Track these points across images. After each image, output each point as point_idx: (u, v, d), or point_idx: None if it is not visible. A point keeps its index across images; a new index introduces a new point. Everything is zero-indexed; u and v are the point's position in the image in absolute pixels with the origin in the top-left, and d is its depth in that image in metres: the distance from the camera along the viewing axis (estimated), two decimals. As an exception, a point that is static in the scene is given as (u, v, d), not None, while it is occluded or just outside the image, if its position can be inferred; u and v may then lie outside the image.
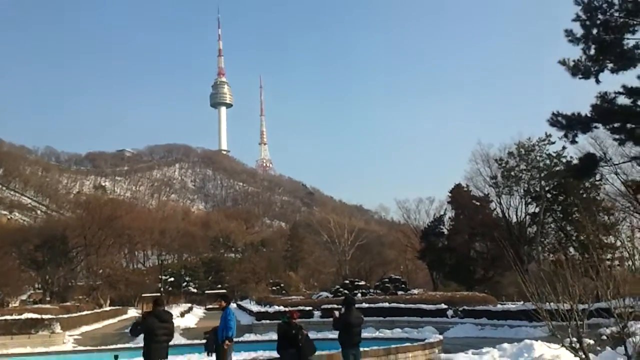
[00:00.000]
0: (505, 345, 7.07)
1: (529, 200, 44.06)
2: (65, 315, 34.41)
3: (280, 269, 76.90)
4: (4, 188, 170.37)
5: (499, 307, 28.85)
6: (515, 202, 44.79)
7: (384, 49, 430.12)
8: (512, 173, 43.26)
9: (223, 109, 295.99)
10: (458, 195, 50.18)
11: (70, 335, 31.43)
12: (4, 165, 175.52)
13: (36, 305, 42.86)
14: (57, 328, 29.64)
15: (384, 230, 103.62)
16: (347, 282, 43.28)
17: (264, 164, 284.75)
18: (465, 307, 28.66)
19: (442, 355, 6.50)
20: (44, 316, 29.91)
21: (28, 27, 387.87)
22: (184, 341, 25.92)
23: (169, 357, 17.99)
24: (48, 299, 55.81)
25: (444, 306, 29.50)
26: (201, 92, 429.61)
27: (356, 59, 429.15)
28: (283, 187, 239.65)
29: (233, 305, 64.41)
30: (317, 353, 12.56)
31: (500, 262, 48.06)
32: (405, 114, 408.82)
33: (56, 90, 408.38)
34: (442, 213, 54.48)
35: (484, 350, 6.96)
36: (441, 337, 17.82)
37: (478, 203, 48.66)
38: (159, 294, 45.89)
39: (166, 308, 9.35)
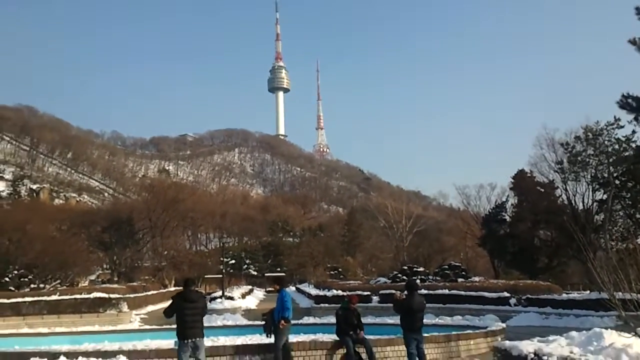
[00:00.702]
0: (573, 333, 6.85)
1: (597, 186, 42.19)
2: (132, 295, 35.76)
3: (338, 254, 77.27)
4: (73, 171, 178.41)
5: (564, 296, 27.91)
6: (582, 189, 42.98)
7: (443, 39, 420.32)
8: (579, 158, 41.47)
9: (281, 94, 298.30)
10: (521, 181, 48.64)
11: (137, 315, 32.69)
12: (72, 149, 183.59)
13: (104, 285, 44.61)
14: (125, 307, 30.86)
15: (442, 217, 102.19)
16: (405, 268, 42.97)
17: (321, 149, 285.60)
18: (529, 296, 27.90)
19: (507, 342, 6.39)
20: (111, 295, 31.12)
21: (108, 22, 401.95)
22: (245, 322, 26.49)
23: (231, 336, 18.56)
24: (116, 279, 57.99)
25: (506, 294, 28.82)
26: (259, 77, 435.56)
27: (415, 47, 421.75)
28: (340, 172, 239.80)
29: (292, 288, 65.42)
30: (376, 337, 12.64)
31: (565, 250, 46.52)
32: (469, 98, 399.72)
33: (121, 76, 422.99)
34: (504, 199, 52.99)
35: (550, 338, 6.76)
36: (503, 325, 17.51)
37: (542, 189, 47.01)
38: (220, 275, 47.11)
39: (197, 288, 9.62)
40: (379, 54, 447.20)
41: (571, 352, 5.76)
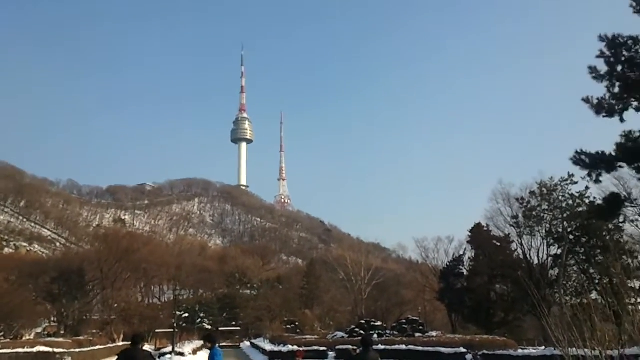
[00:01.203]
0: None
1: (551, 241, 42.91)
2: (77, 350, 34.14)
3: (296, 307, 75.87)
4: (25, 220, 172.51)
5: (520, 352, 27.68)
6: (537, 243, 43.59)
7: (404, 82, 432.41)
8: (534, 213, 42.28)
9: (243, 145, 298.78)
10: (478, 234, 49.18)
11: (81, 371, 30.99)
12: (26, 197, 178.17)
13: (49, 339, 42.60)
14: (68, 363, 29.23)
15: (402, 270, 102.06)
16: (363, 322, 42.33)
17: (283, 200, 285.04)
18: (485, 352, 27.54)
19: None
20: (55, 350, 29.65)
21: (51, 51, 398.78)
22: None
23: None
24: (62, 332, 55.49)
25: (462, 350, 28.42)
26: (222, 127, 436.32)
27: (375, 93, 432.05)
28: (301, 223, 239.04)
29: (247, 344, 63.54)
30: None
31: (520, 305, 46.75)
32: (425, 152, 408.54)
33: (78, 123, 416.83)
34: (461, 253, 53.25)
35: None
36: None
37: (499, 243, 47.55)
38: (172, 329, 45.30)
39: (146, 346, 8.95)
40: (342, 106, 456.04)
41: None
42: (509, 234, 47.13)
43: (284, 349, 37.09)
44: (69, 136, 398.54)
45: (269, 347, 42.93)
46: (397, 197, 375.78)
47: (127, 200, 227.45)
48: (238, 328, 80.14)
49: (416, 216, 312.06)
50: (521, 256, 45.63)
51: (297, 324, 62.70)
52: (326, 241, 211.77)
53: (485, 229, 49.41)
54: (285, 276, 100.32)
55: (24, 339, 45.69)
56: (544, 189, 41.81)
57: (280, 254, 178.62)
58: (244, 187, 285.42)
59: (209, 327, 78.94)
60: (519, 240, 44.91)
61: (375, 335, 37.56)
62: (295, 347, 35.99)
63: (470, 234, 50.68)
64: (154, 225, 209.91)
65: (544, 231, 42.83)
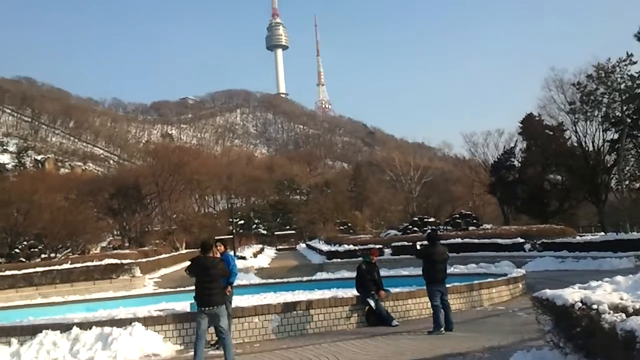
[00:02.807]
0: (619, 278, 6.38)
1: (608, 126, 41.34)
2: (144, 260, 35.65)
3: (346, 209, 77.18)
4: (76, 140, 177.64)
5: (580, 238, 27.57)
6: (593, 129, 42.15)
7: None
8: (591, 97, 40.55)
9: (279, 51, 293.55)
10: (530, 125, 47.79)
11: (150, 279, 32.64)
12: (74, 118, 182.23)
13: (116, 251, 44.62)
14: (137, 272, 30.75)
15: (449, 167, 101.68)
16: (415, 219, 42.66)
17: (323, 106, 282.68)
18: (544, 240, 27.58)
19: (547, 291, 5.93)
20: (123, 261, 30.96)
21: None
22: (258, 280, 26.48)
23: (246, 295, 18.38)
24: (127, 244, 58.18)
25: (520, 240, 28.51)
26: (257, 35, 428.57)
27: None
28: (343, 127, 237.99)
29: (302, 245, 65.62)
30: (395, 290, 12.33)
31: (575, 193, 46.19)
32: (467, 41, 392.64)
33: (118, 41, 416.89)
34: (512, 145, 52.15)
35: (593, 284, 6.31)
36: (524, 271, 17.19)
37: (551, 132, 46.21)
38: (230, 236, 47.11)
39: (216, 253, 8.90)
40: (378, 5, 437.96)
41: (621, 299, 5.28)
42: (562, 122, 45.70)
43: (340, 248, 37.97)
44: (109, 54, 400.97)
45: (325, 247, 44.10)
46: (440, 94, 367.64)
47: (171, 115, 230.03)
48: (292, 232, 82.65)
49: (461, 112, 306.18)
50: (575, 144, 44.47)
51: (349, 225, 64.02)
52: (370, 144, 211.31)
53: (537, 118, 47.97)
54: (333, 180, 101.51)
55: (91, 253, 47.80)
56: (601, 71, 39.73)
57: (325, 159, 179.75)
58: (283, 95, 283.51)
59: (265, 231, 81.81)
60: (574, 128, 43.55)
61: (429, 231, 37.98)
62: (352, 246, 36.80)
63: (521, 125, 49.35)
64: (200, 138, 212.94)
65: (600, 116, 41.24)
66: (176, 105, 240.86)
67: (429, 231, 11.33)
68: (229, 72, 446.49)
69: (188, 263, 8.52)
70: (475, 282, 13.77)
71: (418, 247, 11.94)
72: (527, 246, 27.95)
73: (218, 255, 9.03)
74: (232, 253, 37.84)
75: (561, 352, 5.72)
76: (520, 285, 15.51)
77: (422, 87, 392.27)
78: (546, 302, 5.85)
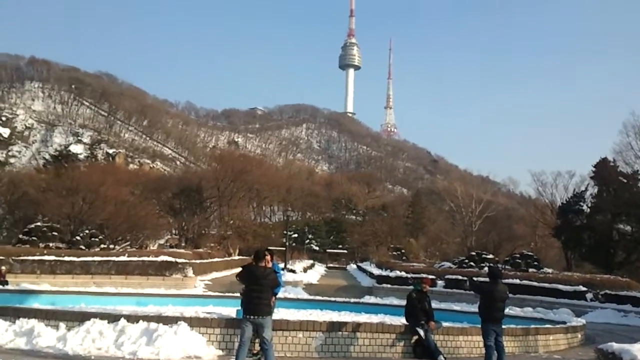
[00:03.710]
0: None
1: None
2: (198, 261, 36.24)
3: (401, 235, 76.07)
4: (147, 138, 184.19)
5: (646, 294, 25.97)
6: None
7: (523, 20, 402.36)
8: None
9: (351, 71, 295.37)
10: (603, 170, 45.72)
11: (202, 280, 33.09)
12: (148, 117, 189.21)
13: (172, 249, 45.60)
14: (190, 272, 31.25)
15: (512, 204, 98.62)
16: (473, 254, 41.44)
17: (389, 129, 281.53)
18: (607, 291, 26.14)
19: (614, 344, 5.49)
20: (178, 260, 31.55)
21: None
22: (306, 296, 26.26)
23: (292, 309, 18.22)
24: (183, 244, 59.43)
25: (582, 288, 27.11)
26: (330, 53, 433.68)
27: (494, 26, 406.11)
28: (407, 153, 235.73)
29: (353, 266, 65.05)
30: (446, 325, 11.82)
31: (645, 246, 43.74)
32: (543, 80, 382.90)
33: (200, 48, 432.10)
34: (582, 189, 50.03)
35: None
36: (584, 321, 16.21)
37: (625, 180, 44.08)
38: (283, 248, 47.25)
39: (268, 263, 8.84)
40: (453, 34, 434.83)
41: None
42: (638, 170, 43.68)
43: (392, 274, 37.34)
44: (189, 60, 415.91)
45: (376, 271, 43.51)
46: (509, 129, 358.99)
47: (239, 123, 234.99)
48: (344, 251, 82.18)
49: (529, 150, 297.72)
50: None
51: (403, 251, 63.01)
52: (432, 172, 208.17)
53: (612, 164, 45.92)
54: (390, 204, 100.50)
55: (148, 248, 49.05)
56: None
57: (385, 182, 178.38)
58: (350, 114, 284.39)
59: (317, 247, 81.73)
60: (650, 177, 41.42)
61: (486, 268, 36.75)
62: (403, 273, 36.13)
63: (594, 169, 47.30)
64: (265, 149, 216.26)
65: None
66: (245, 114, 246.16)
67: (492, 267, 10.81)
68: (299, 87, 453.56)
69: (239, 269, 8.43)
70: (532, 326, 13.06)
71: (477, 282, 11.39)
72: (589, 296, 26.58)
73: (270, 265, 8.93)
74: (280, 265, 37.73)
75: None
76: (579, 336, 14.64)
77: (492, 119, 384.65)
78: (611, 356, 5.39)
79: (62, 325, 9.47)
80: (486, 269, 36.56)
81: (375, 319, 15.78)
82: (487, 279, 10.23)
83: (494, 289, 9.46)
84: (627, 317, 23.51)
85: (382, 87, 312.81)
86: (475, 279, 18.47)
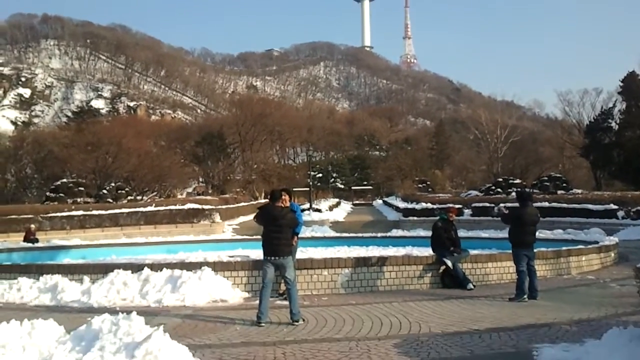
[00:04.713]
0: None
1: None
2: (224, 206, 36.59)
3: (426, 167, 75.52)
4: (167, 88, 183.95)
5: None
6: None
7: None
8: None
9: (366, 3, 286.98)
10: (632, 84, 44.12)
11: (229, 225, 33.47)
12: (165, 67, 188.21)
13: (198, 197, 46.09)
14: (217, 218, 31.56)
15: (538, 127, 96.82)
16: (500, 180, 40.85)
17: (408, 60, 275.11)
18: (639, 208, 25.60)
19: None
20: (204, 207, 31.87)
21: None
22: (333, 234, 26.29)
23: (319, 248, 18.23)
24: (210, 191, 60.07)
25: (613, 206, 26.61)
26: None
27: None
28: (428, 83, 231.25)
29: (379, 201, 65.11)
30: (474, 252, 11.60)
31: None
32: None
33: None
34: (611, 105, 48.49)
35: None
36: (616, 239, 15.83)
37: (656, 92, 42.58)
38: (307, 188, 47.30)
39: (286, 202, 8.57)
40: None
41: None
42: (669, 81, 42.00)
43: (417, 206, 37.20)
44: (200, 5, 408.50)
45: (402, 204, 43.44)
46: (533, 50, 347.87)
47: (256, 67, 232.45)
48: (370, 187, 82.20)
49: (554, 69, 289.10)
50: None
51: (428, 183, 62.60)
52: (455, 101, 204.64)
53: (640, 77, 44.27)
54: (414, 137, 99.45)
55: (176, 197, 49.66)
56: None
57: (408, 115, 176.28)
58: (368, 48, 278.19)
59: (342, 186, 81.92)
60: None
61: (514, 193, 36.30)
62: (430, 205, 35.95)
63: (622, 83, 45.68)
64: (284, 91, 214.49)
65: None
66: (261, 56, 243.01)
67: (520, 190, 10.45)
68: (315, 24, 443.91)
69: (256, 211, 8.23)
70: (564, 248, 12.75)
71: (504, 209, 11.04)
72: (621, 213, 26.11)
73: (287, 204, 8.70)
74: (306, 205, 37.68)
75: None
76: (613, 254, 14.31)
77: (514, 42, 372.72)
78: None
79: (86, 278, 9.49)
80: (514, 193, 36.20)
81: (402, 251, 15.64)
82: (516, 204, 9.90)
83: (524, 212, 9.13)
84: (660, 232, 23.05)
85: (400, 16, 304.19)
86: (503, 205, 18.05)
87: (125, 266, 9.67)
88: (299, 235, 9.44)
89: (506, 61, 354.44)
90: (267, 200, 8.84)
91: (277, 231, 7.61)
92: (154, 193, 45.87)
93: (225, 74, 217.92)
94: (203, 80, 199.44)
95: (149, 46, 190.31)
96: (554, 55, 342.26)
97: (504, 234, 20.12)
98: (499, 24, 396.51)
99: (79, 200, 32.96)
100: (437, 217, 11.62)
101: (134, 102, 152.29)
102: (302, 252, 13.53)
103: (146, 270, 9.37)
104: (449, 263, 10.29)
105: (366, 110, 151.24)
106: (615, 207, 26.65)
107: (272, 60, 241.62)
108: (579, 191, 36.83)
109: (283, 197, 8.33)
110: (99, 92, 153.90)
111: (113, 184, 36.32)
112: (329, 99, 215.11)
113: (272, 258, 7.55)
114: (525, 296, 8.90)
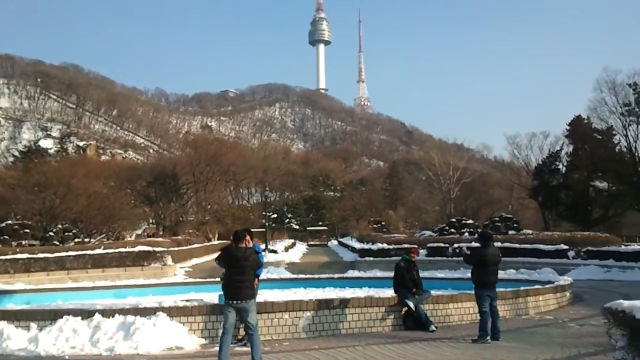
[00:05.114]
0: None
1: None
2: (176, 248, 35.56)
3: (380, 207, 76.23)
4: (118, 128, 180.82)
5: (628, 247, 26.26)
6: (644, 134, 40.47)
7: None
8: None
9: (321, 47, 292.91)
10: (578, 128, 46.07)
11: (182, 268, 32.49)
12: (118, 106, 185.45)
13: (149, 239, 44.74)
14: (169, 260, 30.59)
15: (487, 169, 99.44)
16: (453, 220, 41.45)
17: (362, 102, 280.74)
18: (589, 248, 26.30)
19: (624, 302, 5.22)
20: (155, 249, 30.79)
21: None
22: (289, 275, 25.92)
23: (275, 289, 17.87)
24: (161, 233, 58.50)
25: (564, 247, 27.25)
26: (299, 30, 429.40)
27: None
28: (381, 125, 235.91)
29: (334, 242, 64.97)
30: (433, 292, 11.55)
31: (622, 201, 44.44)
32: (515, 38, 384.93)
33: (162, 32, 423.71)
34: (558, 148, 50.40)
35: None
36: (571, 279, 16.14)
37: (600, 136, 44.50)
38: (263, 229, 46.84)
39: (248, 243, 8.24)
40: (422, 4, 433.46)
41: None
42: (612, 125, 44.09)
43: (374, 246, 37.25)
44: (154, 45, 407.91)
45: (358, 245, 43.41)
46: (480, 96, 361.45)
47: (212, 107, 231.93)
48: (325, 228, 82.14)
49: (502, 115, 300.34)
50: (625, 149, 42.75)
51: (383, 223, 63.03)
52: (407, 143, 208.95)
53: (586, 121, 46.27)
54: (368, 178, 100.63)
55: (126, 239, 48.14)
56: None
57: (362, 156, 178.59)
58: (323, 91, 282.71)
59: (297, 226, 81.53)
60: (624, 132, 42.04)
61: (467, 234, 36.87)
62: (385, 245, 36.04)
63: (569, 127, 47.66)
64: (239, 131, 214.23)
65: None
66: (217, 97, 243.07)
67: (482, 231, 10.52)
68: (270, 66, 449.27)
69: (218, 253, 7.94)
70: (522, 288, 12.87)
71: (465, 250, 11.08)
72: (571, 253, 26.74)
73: (250, 245, 8.45)
74: (261, 246, 37.17)
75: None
76: (568, 294, 14.56)
77: (464, 88, 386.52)
78: (622, 315, 5.06)
79: (34, 325, 8.92)
80: (466, 234, 36.75)
81: (360, 292, 15.52)
82: (474, 244, 9.95)
83: (486, 252, 9.17)
84: (610, 272, 23.71)
85: (354, 61, 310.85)
86: (461, 245, 18.20)
87: (74, 312, 9.11)
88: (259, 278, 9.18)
89: (455, 106, 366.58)
90: (221, 241, 8.54)
91: (240, 273, 7.33)
92: (102, 235, 44.36)
93: (179, 114, 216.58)
94: (156, 120, 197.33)
95: (101, 85, 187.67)
96: (502, 100, 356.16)
97: (460, 274, 20.30)
98: (449, 71, 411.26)
99: (24, 242, 31.47)
100: (394, 258, 11.58)
101: (84, 142, 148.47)
102: (259, 295, 13.18)
103: (97, 316, 8.86)
104: (412, 305, 10.18)
105: (321, 151, 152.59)
106: (566, 247, 27.28)
107: (228, 101, 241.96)
108: (529, 231, 37.72)
109: (246, 237, 8.09)
110: (48, 132, 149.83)
111: (60, 226, 34.87)
112: (284, 139, 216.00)
113: (235, 302, 7.24)
114: (488, 337, 8.85)
